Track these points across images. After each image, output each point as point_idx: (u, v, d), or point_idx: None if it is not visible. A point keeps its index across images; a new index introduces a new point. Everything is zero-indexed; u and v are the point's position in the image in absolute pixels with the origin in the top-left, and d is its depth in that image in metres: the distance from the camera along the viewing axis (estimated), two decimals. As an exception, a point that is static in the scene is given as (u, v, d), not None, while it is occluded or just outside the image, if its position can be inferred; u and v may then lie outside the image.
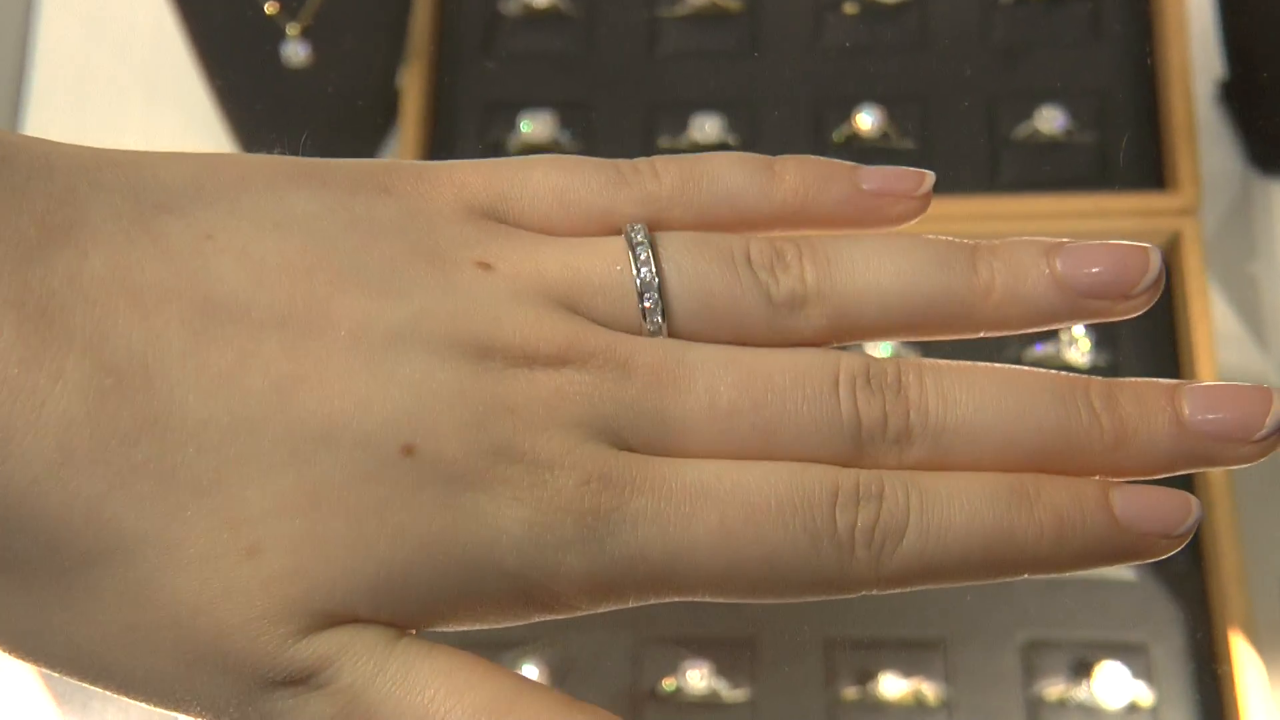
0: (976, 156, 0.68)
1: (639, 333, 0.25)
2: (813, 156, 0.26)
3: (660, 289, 0.24)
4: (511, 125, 0.70)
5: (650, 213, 0.26)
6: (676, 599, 0.24)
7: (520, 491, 0.22)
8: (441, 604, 0.23)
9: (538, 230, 0.25)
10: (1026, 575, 0.24)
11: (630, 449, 0.24)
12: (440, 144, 0.70)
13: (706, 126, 0.68)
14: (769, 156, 0.26)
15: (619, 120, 0.70)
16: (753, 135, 0.69)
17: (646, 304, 0.24)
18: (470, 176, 0.25)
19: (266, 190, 0.24)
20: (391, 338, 0.23)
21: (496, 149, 0.69)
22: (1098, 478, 0.24)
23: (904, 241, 0.25)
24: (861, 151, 0.68)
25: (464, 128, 0.71)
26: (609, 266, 0.25)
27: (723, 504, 0.23)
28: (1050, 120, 0.67)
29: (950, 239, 0.26)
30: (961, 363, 0.25)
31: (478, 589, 0.23)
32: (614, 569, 0.23)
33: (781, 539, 0.23)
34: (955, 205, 0.66)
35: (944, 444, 0.24)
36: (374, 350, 0.23)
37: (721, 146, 0.68)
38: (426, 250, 0.24)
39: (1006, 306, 0.25)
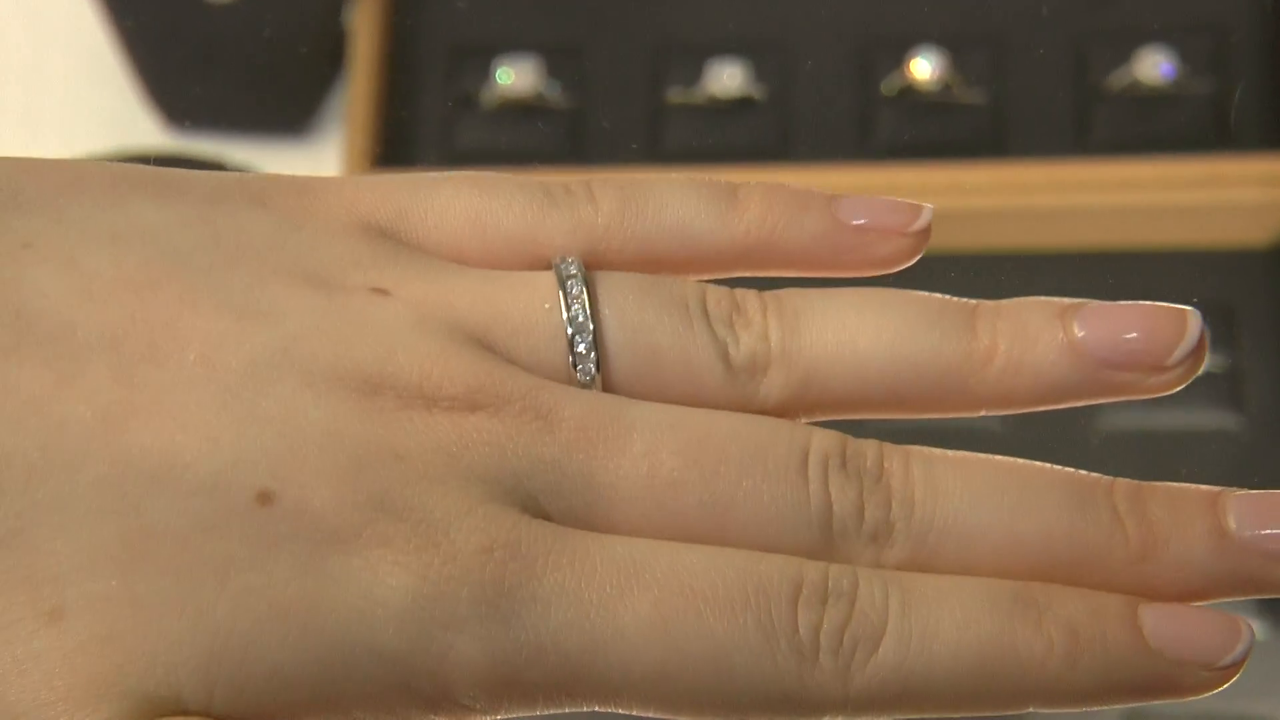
0: (1061, 112, 0.65)
1: (568, 383, 0.24)
2: (785, 184, 0.26)
3: (596, 334, 0.24)
4: (486, 74, 0.66)
5: (584, 243, 0.25)
6: (598, 706, 0.23)
7: (404, 555, 0.22)
8: (296, 692, 0.21)
9: (447, 257, 0.25)
10: (1032, 709, 0.23)
11: (547, 517, 0.23)
12: (397, 98, 0.66)
13: (726, 76, 0.65)
14: (733, 182, 0.26)
15: (619, 68, 0.67)
16: (784, 86, 0.65)
17: (578, 348, 0.24)
18: (364, 192, 0.25)
19: (104, 197, 0.24)
20: (254, 365, 0.22)
21: (467, 104, 0.65)
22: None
23: (888, 296, 0.25)
24: (917, 107, 0.64)
25: (427, 77, 0.67)
26: (534, 304, 0.24)
27: (658, 587, 0.22)
28: (1152, 66, 0.63)
29: (945, 297, 0.25)
30: (958, 452, 0.24)
31: (345, 674, 0.21)
32: (518, 659, 0.22)
33: (729, 634, 0.22)
34: (1036, 173, 0.62)
35: (930, 544, 0.24)
36: (230, 379, 0.22)
37: (744, 100, 0.65)
38: (306, 270, 0.24)
39: (1010, 377, 0.24)
